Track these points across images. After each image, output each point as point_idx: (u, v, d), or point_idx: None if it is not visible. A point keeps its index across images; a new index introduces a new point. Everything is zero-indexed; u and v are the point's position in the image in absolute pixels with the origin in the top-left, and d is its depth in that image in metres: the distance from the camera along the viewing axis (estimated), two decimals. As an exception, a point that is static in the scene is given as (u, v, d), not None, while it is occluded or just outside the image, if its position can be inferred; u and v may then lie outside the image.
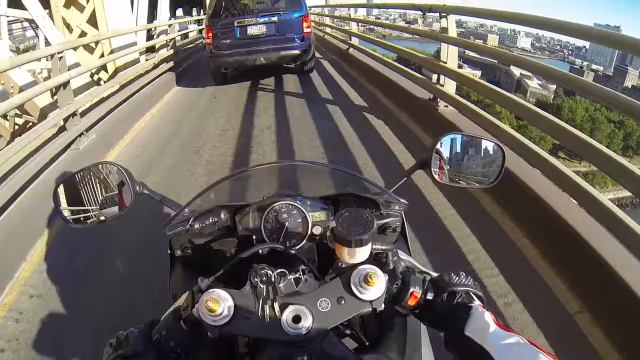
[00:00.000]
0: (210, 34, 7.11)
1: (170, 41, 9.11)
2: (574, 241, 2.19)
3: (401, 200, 1.02)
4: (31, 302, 2.49)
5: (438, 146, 1.08)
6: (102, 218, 1.04)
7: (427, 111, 4.57)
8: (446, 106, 4.32)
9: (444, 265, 2.38)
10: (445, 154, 1.10)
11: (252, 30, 7.06)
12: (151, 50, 8.88)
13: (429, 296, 0.72)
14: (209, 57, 7.34)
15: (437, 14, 4.37)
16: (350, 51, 8.81)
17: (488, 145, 1.12)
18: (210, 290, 0.67)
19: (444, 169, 1.09)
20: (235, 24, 7.00)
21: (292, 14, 7.11)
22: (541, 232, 2.53)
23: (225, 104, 6.70)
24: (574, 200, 2.43)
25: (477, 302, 0.69)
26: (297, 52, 7.23)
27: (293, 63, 7.61)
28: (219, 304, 0.65)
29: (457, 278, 0.72)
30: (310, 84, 7.67)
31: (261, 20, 7.02)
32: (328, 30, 11.81)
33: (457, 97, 4.15)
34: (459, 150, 1.12)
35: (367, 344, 0.88)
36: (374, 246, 0.74)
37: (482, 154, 1.13)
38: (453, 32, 4.32)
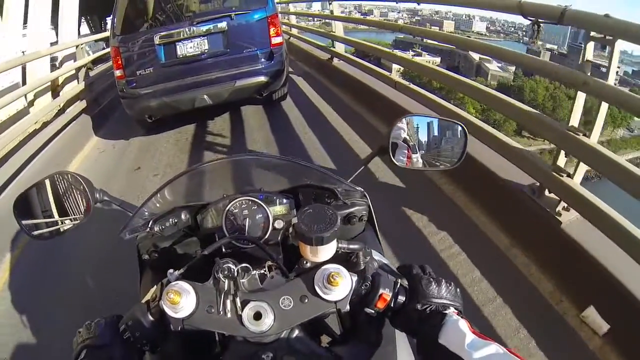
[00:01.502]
0: (119, 61, 4.15)
1: (80, 70, 6.07)
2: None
3: (357, 188, 0.98)
4: None
5: (395, 130, 1.02)
6: (64, 228, 1.00)
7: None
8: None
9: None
10: (405, 137, 1.03)
11: (186, 49, 4.13)
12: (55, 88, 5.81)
13: (400, 299, 0.67)
14: (121, 99, 4.39)
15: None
16: (334, 62, 6.05)
17: (449, 125, 1.07)
18: (173, 283, 0.66)
19: (404, 154, 1.03)
20: (157, 40, 4.06)
21: (250, 15, 4.22)
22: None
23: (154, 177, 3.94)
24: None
25: (452, 309, 0.65)
26: (262, 79, 4.36)
27: (258, 95, 4.58)
28: (181, 296, 0.63)
29: (437, 287, 0.66)
30: (284, 122, 4.86)
31: (200, 29, 4.10)
32: (294, 31, 8.87)
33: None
34: (418, 133, 1.06)
35: (341, 338, 0.83)
36: (342, 245, 0.71)
37: (443, 135, 1.08)
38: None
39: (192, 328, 0.66)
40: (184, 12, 4.15)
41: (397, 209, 2.85)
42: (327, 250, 0.69)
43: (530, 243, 2.30)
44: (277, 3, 4.36)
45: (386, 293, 0.67)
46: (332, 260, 0.69)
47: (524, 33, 68.22)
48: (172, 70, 4.16)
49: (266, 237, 0.88)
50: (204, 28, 4.07)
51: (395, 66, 9.42)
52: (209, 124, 5.10)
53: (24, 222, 0.98)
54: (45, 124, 5.19)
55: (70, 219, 1.00)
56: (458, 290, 0.68)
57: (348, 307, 0.67)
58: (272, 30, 4.22)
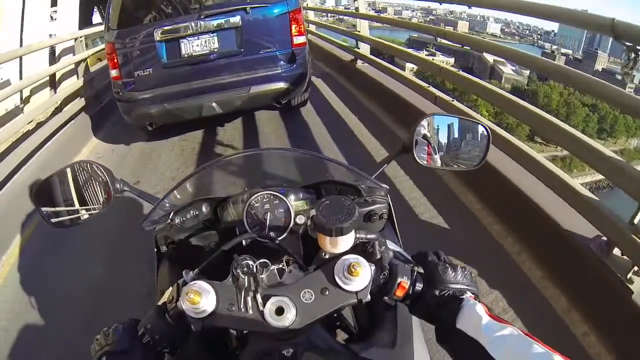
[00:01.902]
0: (115, 60, 3.52)
1: (79, 65, 5.48)
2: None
3: (382, 185, 0.95)
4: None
5: (419, 129, 1.00)
6: (84, 217, 0.99)
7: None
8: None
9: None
10: (428, 135, 1.02)
11: (192, 48, 3.47)
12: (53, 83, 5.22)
13: (418, 287, 0.67)
14: (117, 103, 3.77)
15: None
16: (358, 65, 5.39)
17: (472, 126, 1.05)
18: (192, 283, 0.65)
19: (426, 151, 1.02)
20: (157, 36, 3.41)
21: (269, 9, 3.53)
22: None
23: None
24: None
25: (468, 294, 0.65)
26: (281, 85, 3.67)
27: (276, 103, 3.90)
28: (201, 296, 0.62)
29: (453, 273, 0.66)
30: (304, 131, 4.22)
31: (208, 24, 3.43)
32: (312, 27, 8.19)
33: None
34: (442, 132, 1.04)
35: (358, 335, 0.87)
36: (358, 235, 0.69)
37: (466, 136, 1.05)
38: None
39: (213, 327, 0.64)
40: (190, 3, 3.49)
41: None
42: (346, 241, 0.68)
43: (592, 309, 1.91)
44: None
45: (404, 281, 0.66)
46: (350, 251, 0.68)
47: (539, 36, 67.24)
48: (175, 71, 3.52)
49: (286, 232, 0.85)
50: (214, 23, 3.41)
51: (408, 65, 9.34)
52: (219, 131, 4.47)
53: (43, 209, 0.97)
54: (39, 124, 4.61)
55: (90, 209, 0.99)
56: (473, 275, 0.68)
57: (369, 296, 0.65)
58: (294, 28, 3.54)
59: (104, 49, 4.15)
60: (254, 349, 0.67)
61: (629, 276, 1.77)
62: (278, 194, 0.88)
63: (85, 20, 7.71)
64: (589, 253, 1.94)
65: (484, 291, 2.08)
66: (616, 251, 1.86)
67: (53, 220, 0.98)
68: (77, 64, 5.46)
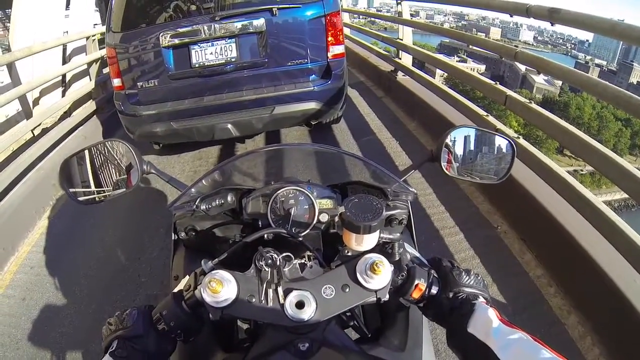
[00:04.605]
0: (117, 67, 2.88)
1: (91, 65, 4.93)
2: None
3: (410, 189, 0.94)
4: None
5: (448, 139, 1.00)
6: (108, 195, 0.99)
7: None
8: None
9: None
10: (456, 146, 1.02)
11: (204, 56, 2.76)
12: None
13: (434, 290, 0.67)
14: (120, 117, 3.14)
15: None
16: (399, 77, 4.65)
17: (498, 140, 1.05)
18: (214, 272, 0.64)
19: (452, 162, 1.02)
20: (164, 41, 2.73)
21: (300, 10, 2.79)
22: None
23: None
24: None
25: (481, 299, 0.65)
26: (313, 105, 2.92)
27: (306, 125, 3.24)
28: (223, 285, 0.61)
29: (467, 277, 0.67)
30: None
31: (225, 28, 2.72)
32: (346, 31, 7.45)
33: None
34: (468, 144, 1.05)
35: (369, 335, 0.85)
36: (383, 235, 0.71)
37: (492, 149, 1.05)
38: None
39: (232, 316, 0.64)
40: (205, 1, 2.77)
41: None
42: (372, 239, 0.69)
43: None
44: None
45: (421, 283, 0.66)
46: (371, 250, 0.68)
47: (573, 45, 64.41)
48: (184, 84, 2.84)
49: (309, 229, 0.83)
50: (234, 26, 2.71)
51: (438, 71, 8.90)
52: (238, 148, 3.79)
53: (68, 186, 0.97)
54: (45, 130, 4.18)
55: (117, 187, 0.99)
56: (485, 281, 0.69)
57: (387, 296, 0.65)
58: (330, 35, 2.80)
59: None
60: (270, 340, 0.66)
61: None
62: (304, 190, 0.86)
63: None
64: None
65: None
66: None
67: (80, 198, 0.98)
68: (89, 64, 4.90)
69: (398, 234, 0.74)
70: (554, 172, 2.31)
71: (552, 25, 2.34)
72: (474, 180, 1.06)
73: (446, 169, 1.00)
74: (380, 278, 0.62)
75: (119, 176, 0.99)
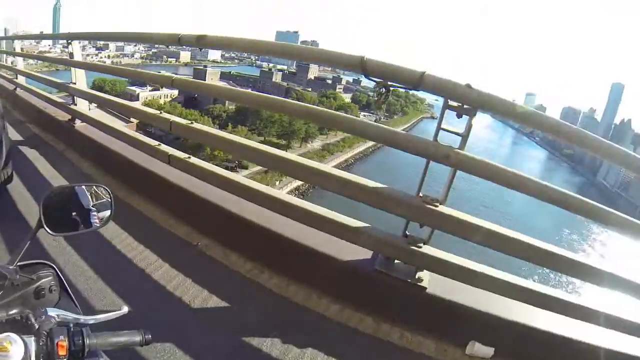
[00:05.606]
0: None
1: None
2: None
3: (39, 262, 0.95)
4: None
5: (46, 202, 0.97)
6: (84, 230, 1.05)
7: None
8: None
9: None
10: (63, 205, 1.03)
11: None
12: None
13: (78, 340, 0.67)
14: None
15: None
16: (77, 125, 4.06)
17: (97, 189, 1.10)
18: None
19: (61, 222, 1.02)
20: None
21: None
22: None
23: None
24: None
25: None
26: None
27: None
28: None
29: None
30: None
31: None
32: (22, 80, 6.05)
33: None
34: (68, 200, 1.06)
35: None
36: (9, 312, 0.71)
37: (91, 198, 1.08)
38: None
39: None
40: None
41: None
42: None
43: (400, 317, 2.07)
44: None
45: (61, 340, 0.65)
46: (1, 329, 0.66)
47: (257, 58, 73.81)
48: None
49: None
50: None
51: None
52: None
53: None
54: None
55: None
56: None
57: None
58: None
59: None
60: None
61: (417, 276, 2.00)
62: None
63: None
64: (376, 275, 2.06)
65: None
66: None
67: (55, 230, 0.97)
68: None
69: (20, 307, 0.74)
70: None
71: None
72: (81, 232, 1.07)
73: (54, 229, 0.96)
74: (11, 355, 0.61)
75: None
